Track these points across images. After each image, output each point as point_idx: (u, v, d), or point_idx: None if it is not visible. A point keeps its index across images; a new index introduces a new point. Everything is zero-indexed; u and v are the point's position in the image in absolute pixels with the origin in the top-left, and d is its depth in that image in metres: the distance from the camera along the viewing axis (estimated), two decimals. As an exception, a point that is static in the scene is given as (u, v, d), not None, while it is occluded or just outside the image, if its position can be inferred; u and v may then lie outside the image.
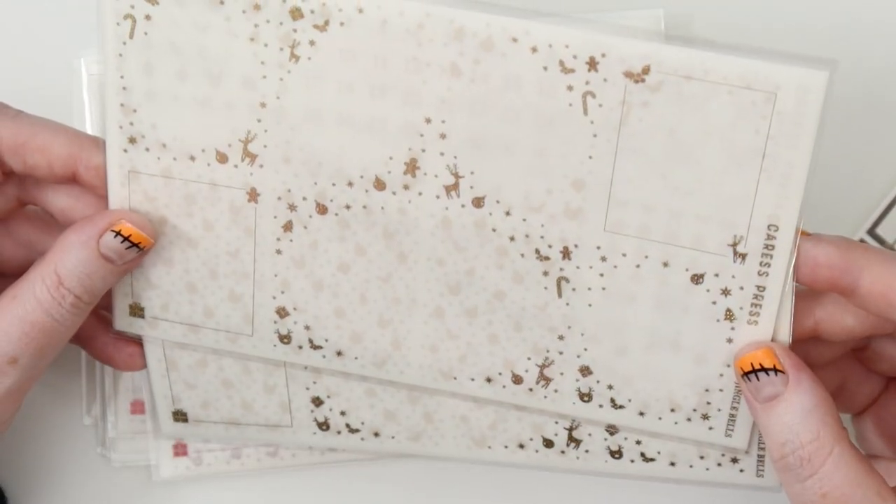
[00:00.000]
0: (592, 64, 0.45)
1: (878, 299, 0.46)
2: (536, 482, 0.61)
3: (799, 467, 0.45)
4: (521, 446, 0.53)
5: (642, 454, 0.52)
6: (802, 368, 0.46)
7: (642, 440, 0.52)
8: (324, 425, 0.55)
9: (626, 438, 0.52)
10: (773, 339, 0.48)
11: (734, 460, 0.51)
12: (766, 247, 0.46)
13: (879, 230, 0.61)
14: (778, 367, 0.46)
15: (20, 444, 0.60)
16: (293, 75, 0.48)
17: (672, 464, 0.52)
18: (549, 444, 0.53)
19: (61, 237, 0.51)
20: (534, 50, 0.45)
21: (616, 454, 0.52)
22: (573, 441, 0.52)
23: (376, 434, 0.54)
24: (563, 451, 0.53)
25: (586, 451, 0.52)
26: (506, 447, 0.53)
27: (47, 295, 0.50)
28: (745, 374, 0.47)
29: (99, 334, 0.55)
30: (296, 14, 0.47)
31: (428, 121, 0.47)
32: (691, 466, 0.52)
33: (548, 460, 0.53)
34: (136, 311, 0.53)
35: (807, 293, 0.48)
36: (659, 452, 0.52)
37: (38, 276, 0.50)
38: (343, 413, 0.54)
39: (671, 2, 0.59)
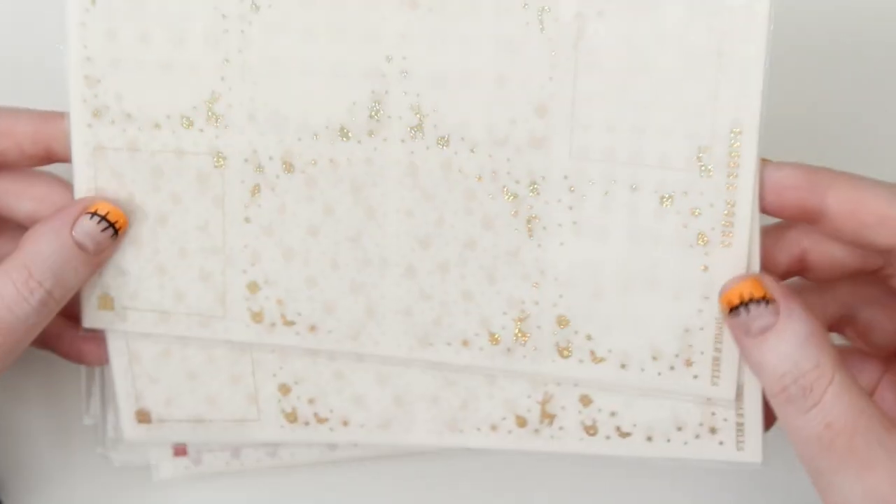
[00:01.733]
0: None
1: (848, 219, 0.44)
2: (536, 482, 0.60)
3: (801, 398, 0.43)
4: (494, 428, 0.51)
5: (617, 428, 0.50)
6: (792, 296, 0.44)
7: (617, 411, 0.49)
8: (291, 416, 0.53)
9: (600, 410, 0.50)
10: (748, 265, 0.46)
11: (713, 430, 0.49)
12: (732, 154, 0.45)
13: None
14: (768, 296, 0.44)
15: (20, 444, 0.60)
16: (254, 27, 0.48)
17: (649, 438, 0.49)
18: (522, 422, 0.50)
19: (30, 230, 0.50)
20: None
21: (590, 430, 0.50)
22: (546, 417, 0.50)
23: (345, 423, 0.52)
24: (536, 430, 0.50)
25: (560, 429, 0.50)
26: (478, 429, 0.51)
27: (12, 290, 0.48)
28: (733, 310, 0.45)
29: (65, 331, 0.54)
30: None
31: (389, 59, 0.48)
32: (668, 441, 0.49)
33: (521, 442, 0.51)
34: (106, 302, 0.52)
35: (794, 223, 0.47)
36: (635, 425, 0.49)
37: (2, 272, 0.48)
38: (311, 401, 0.52)
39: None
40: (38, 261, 0.49)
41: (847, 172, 0.45)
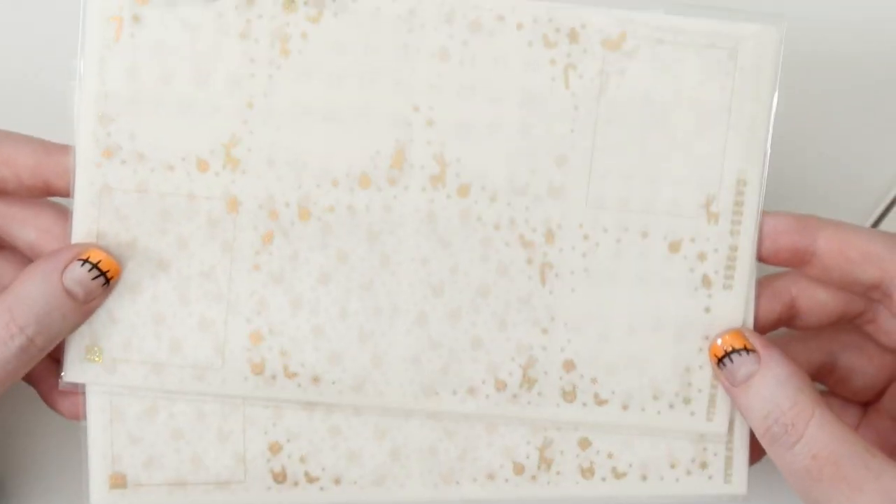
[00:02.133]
0: (573, 36, 0.49)
1: (836, 256, 0.49)
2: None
3: (784, 435, 0.46)
4: (491, 477, 0.51)
5: (613, 469, 0.51)
6: (771, 345, 0.49)
7: (614, 452, 0.51)
8: (280, 476, 0.51)
9: (598, 452, 0.51)
10: (745, 306, 0.50)
11: (703, 465, 0.51)
12: (737, 203, 0.49)
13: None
14: (748, 346, 0.48)
15: (20, 443, 0.59)
16: (283, 71, 0.50)
17: (643, 477, 0.51)
18: (519, 469, 0.51)
19: (23, 271, 0.48)
20: (519, 26, 0.49)
21: (587, 473, 0.51)
22: (544, 462, 0.51)
23: (337, 481, 0.52)
24: (533, 477, 0.51)
25: (557, 474, 0.51)
26: (474, 480, 0.52)
27: None
28: (720, 361, 0.49)
29: (48, 377, 0.51)
30: (289, 7, 0.49)
31: (416, 108, 0.50)
32: (662, 478, 0.51)
33: (517, 490, 0.52)
34: (93, 353, 0.50)
35: (782, 273, 0.51)
36: (630, 465, 0.51)
37: None
38: (302, 459, 0.51)
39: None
40: (24, 305, 0.47)
41: (833, 219, 0.50)
